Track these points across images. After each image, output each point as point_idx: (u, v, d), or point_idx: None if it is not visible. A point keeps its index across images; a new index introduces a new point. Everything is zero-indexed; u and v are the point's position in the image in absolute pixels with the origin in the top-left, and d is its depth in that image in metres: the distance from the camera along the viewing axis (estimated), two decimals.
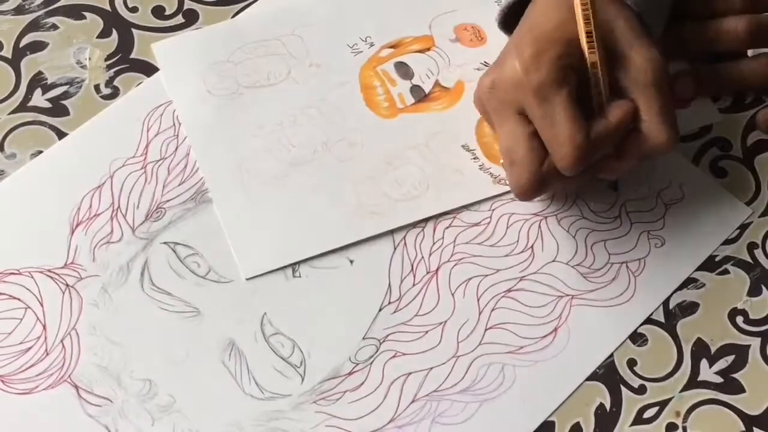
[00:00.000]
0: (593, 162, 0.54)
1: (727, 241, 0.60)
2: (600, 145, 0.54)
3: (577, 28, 0.54)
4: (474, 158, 0.61)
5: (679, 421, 0.54)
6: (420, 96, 0.63)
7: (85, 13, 0.66)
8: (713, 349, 0.56)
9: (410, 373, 0.55)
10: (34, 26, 0.65)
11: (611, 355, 0.56)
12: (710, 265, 0.59)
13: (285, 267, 0.57)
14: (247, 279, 0.57)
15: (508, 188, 0.59)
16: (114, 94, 0.63)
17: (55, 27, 0.65)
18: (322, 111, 0.62)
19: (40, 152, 0.61)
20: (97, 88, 0.63)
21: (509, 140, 0.55)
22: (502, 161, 0.58)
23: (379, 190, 0.60)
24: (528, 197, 0.55)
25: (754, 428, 0.54)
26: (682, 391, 0.55)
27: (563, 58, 0.53)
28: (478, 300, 0.57)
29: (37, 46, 0.65)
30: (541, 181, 0.54)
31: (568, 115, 0.52)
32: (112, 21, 0.66)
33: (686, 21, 0.63)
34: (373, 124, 0.62)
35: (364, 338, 0.56)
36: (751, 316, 0.58)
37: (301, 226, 0.59)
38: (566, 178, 0.54)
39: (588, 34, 0.54)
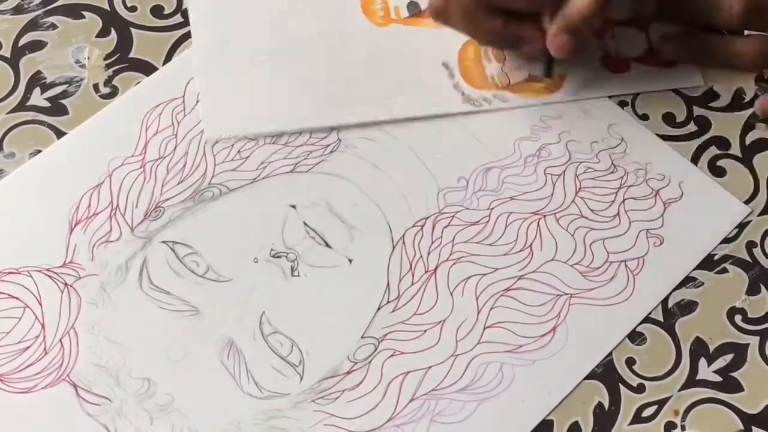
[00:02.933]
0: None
1: (726, 240, 0.60)
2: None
3: None
4: (450, 76, 0.64)
5: (677, 420, 0.54)
6: (415, 11, 0.66)
7: (84, 13, 0.66)
8: (712, 348, 0.56)
9: (409, 372, 0.55)
10: (32, 25, 0.65)
11: (610, 354, 0.56)
12: (709, 263, 0.59)
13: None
14: (207, 142, 0.61)
15: (474, 108, 0.62)
16: (113, 94, 0.63)
17: (53, 26, 0.65)
18: (322, 7, 0.66)
19: (39, 151, 0.61)
20: (95, 87, 0.63)
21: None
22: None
23: (355, 88, 0.63)
24: (442, 12, 0.59)
25: (753, 427, 0.54)
26: (680, 389, 0.55)
27: None
28: (477, 299, 0.57)
29: (36, 46, 0.65)
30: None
31: None
32: (111, 20, 0.66)
33: None
34: (365, 29, 0.65)
35: (362, 337, 0.56)
36: (750, 315, 0.58)
37: (271, 104, 0.62)
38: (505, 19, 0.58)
39: None
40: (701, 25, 0.64)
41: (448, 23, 0.60)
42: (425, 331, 0.56)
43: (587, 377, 0.55)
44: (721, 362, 0.56)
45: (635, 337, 0.56)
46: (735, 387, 0.55)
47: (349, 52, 0.65)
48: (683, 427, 0.54)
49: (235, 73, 0.64)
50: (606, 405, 0.55)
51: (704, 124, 0.64)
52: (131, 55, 0.65)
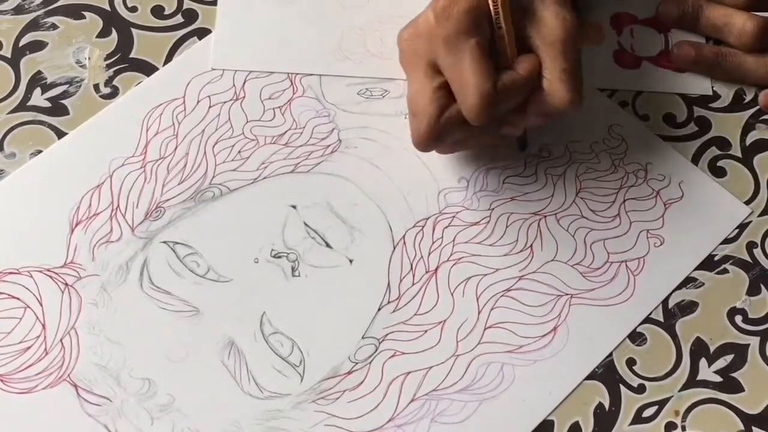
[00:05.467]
0: (500, 114, 0.55)
1: (726, 241, 0.60)
2: (506, 97, 0.55)
3: None
4: None
5: (678, 420, 0.54)
6: None
7: (84, 13, 0.66)
8: (712, 349, 0.57)
9: (409, 373, 0.55)
10: (33, 26, 0.65)
11: (610, 355, 0.56)
12: (709, 264, 0.59)
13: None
14: (213, 69, 0.63)
15: None
16: (113, 94, 0.63)
17: (54, 26, 0.65)
18: None
19: (40, 151, 0.61)
20: (96, 87, 0.63)
21: (415, 90, 0.56)
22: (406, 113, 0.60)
23: (362, 41, 0.65)
24: (424, 146, 0.57)
25: (753, 427, 0.54)
26: (681, 390, 0.55)
27: (474, 10, 0.54)
28: (478, 299, 0.57)
29: (37, 46, 0.65)
30: (439, 131, 0.55)
31: (475, 64, 0.54)
32: (112, 20, 0.66)
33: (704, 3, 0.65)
34: None
35: (363, 337, 0.56)
36: (750, 316, 0.58)
37: (280, 45, 0.65)
38: (468, 130, 0.56)
39: None
40: (717, 40, 0.65)
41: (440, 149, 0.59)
42: (426, 331, 0.56)
43: (588, 377, 0.55)
44: (721, 363, 0.56)
45: (636, 337, 0.57)
46: (735, 387, 0.55)
47: (372, 11, 0.66)
48: (684, 428, 0.54)
49: (256, 10, 0.66)
50: (606, 405, 0.55)
51: (705, 125, 0.64)
52: (132, 55, 0.65)
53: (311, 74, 0.64)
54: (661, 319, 0.57)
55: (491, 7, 0.55)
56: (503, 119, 0.57)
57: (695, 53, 0.65)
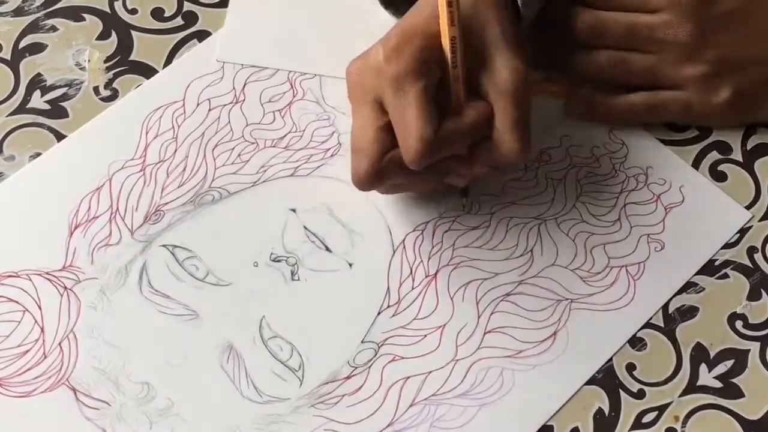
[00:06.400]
0: (442, 161, 0.54)
1: (727, 245, 0.60)
2: (449, 143, 0.53)
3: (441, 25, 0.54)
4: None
5: (678, 426, 0.54)
6: None
7: (84, 15, 0.66)
8: (712, 354, 0.56)
9: (409, 377, 0.55)
10: (33, 28, 0.65)
11: (610, 360, 0.56)
12: (710, 269, 0.59)
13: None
14: (217, 60, 0.64)
15: None
16: (113, 96, 0.63)
17: (54, 29, 0.65)
18: None
19: (39, 154, 0.61)
20: (96, 90, 0.63)
21: (359, 127, 0.55)
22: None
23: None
24: (364, 186, 0.55)
25: None
26: (681, 395, 0.55)
27: (425, 51, 0.53)
28: (477, 304, 0.57)
29: (37, 48, 0.65)
30: (379, 172, 0.54)
31: (419, 108, 0.52)
32: (112, 23, 0.66)
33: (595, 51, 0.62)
34: None
35: (362, 342, 0.56)
36: (751, 321, 0.57)
37: (288, 43, 0.65)
38: (410, 174, 0.54)
39: (452, 39, 0.53)
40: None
41: (381, 189, 0.57)
42: (425, 335, 0.56)
43: (587, 383, 0.55)
44: (721, 368, 0.56)
45: (636, 342, 0.56)
46: (736, 393, 0.55)
47: (383, 19, 0.64)
48: None
49: (268, 7, 0.67)
50: (606, 411, 0.55)
51: (705, 129, 0.64)
52: (132, 57, 0.64)
53: (316, 75, 0.64)
54: (662, 324, 0.57)
55: (448, 47, 0.53)
56: (448, 168, 0.55)
57: (585, 105, 0.64)
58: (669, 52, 0.61)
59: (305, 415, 0.54)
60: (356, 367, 0.55)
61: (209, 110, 0.63)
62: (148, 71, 0.64)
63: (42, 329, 0.55)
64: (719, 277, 0.59)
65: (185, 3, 0.67)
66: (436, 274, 0.58)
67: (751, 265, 0.59)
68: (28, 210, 0.59)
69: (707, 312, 0.57)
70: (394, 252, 0.58)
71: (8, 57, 0.64)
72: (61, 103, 0.63)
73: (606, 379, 0.55)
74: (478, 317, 0.57)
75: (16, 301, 0.56)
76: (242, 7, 0.67)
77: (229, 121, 0.62)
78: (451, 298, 0.57)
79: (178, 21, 0.66)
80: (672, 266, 0.59)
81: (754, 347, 0.57)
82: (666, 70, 0.61)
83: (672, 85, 0.62)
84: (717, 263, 0.59)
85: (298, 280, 0.57)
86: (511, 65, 0.53)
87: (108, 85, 0.63)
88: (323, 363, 0.55)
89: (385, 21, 0.62)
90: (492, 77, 0.54)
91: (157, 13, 0.66)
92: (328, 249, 0.58)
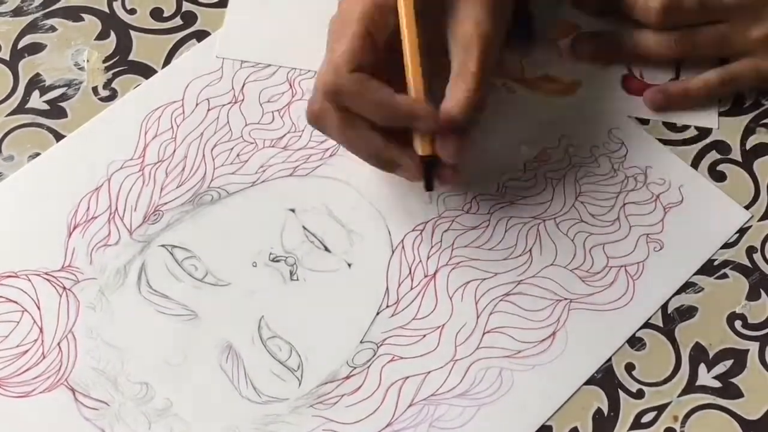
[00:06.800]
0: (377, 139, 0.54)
1: (726, 245, 0.59)
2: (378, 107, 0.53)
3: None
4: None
5: (677, 426, 0.54)
6: None
7: (83, 15, 0.66)
8: (711, 354, 0.56)
9: (408, 377, 0.55)
10: (32, 28, 0.65)
11: (609, 360, 0.56)
12: (709, 269, 0.59)
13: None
14: (217, 56, 0.64)
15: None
16: (112, 96, 0.63)
17: (53, 29, 0.65)
18: None
19: (38, 154, 0.61)
20: (95, 90, 0.63)
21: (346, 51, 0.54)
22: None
23: None
24: (321, 97, 0.54)
25: None
26: (680, 395, 0.55)
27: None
28: (476, 303, 0.57)
29: (36, 48, 0.65)
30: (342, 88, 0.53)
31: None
32: (111, 23, 0.66)
33: None
34: None
35: (361, 342, 0.56)
36: (750, 321, 0.57)
37: (285, 41, 0.65)
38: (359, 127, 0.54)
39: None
40: (620, 18, 0.64)
41: (325, 132, 0.56)
42: (424, 335, 0.56)
43: (586, 383, 0.55)
44: (720, 368, 0.56)
45: (635, 342, 0.56)
46: (735, 393, 0.55)
47: None
48: None
49: (269, 4, 0.67)
50: (605, 411, 0.55)
51: (705, 129, 0.64)
52: (130, 57, 0.64)
53: (315, 73, 0.64)
54: (661, 324, 0.57)
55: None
56: (391, 156, 0.55)
57: (592, 44, 0.65)
58: (738, 17, 0.62)
59: (304, 415, 0.54)
60: (355, 367, 0.55)
61: (208, 110, 0.63)
62: (147, 71, 0.64)
63: (41, 329, 0.55)
64: (718, 277, 0.59)
65: (184, 3, 0.67)
66: (435, 274, 0.58)
67: (750, 265, 0.59)
68: (27, 210, 0.59)
69: (706, 312, 0.57)
70: (393, 252, 0.58)
71: (7, 57, 0.64)
72: (60, 103, 0.63)
73: (605, 379, 0.55)
74: (477, 317, 0.57)
75: (15, 302, 0.56)
76: (242, 6, 0.67)
77: (228, 121, 0.62)
78: (450, 298, 0.57)
79: (177, 21, 0.66)
80: (671, 266, 0.59)
81: (753, 347, 0.57)
82: (736, 37, 0.62)
83: (741, 53, 0.63)
84: (716, 263, 0.59)
85: (297, 280, 0.57)
86: (474, 17, 0.53)
87: (107, 85, 0.63)
88: (322, 363, 0.55)
89: None
90: (454, 27, 0.54)
91: (156, 13, 0.66)
92: (326, 249, 0.58)
